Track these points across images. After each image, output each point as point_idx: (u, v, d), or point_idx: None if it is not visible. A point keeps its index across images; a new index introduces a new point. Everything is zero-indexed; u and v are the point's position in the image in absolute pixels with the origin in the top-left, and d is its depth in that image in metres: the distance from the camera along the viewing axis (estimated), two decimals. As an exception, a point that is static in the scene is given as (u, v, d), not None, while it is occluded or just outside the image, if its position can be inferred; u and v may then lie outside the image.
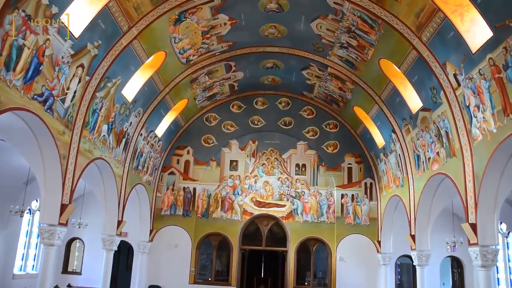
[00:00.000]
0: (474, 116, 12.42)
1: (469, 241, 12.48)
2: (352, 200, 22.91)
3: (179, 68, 18.16)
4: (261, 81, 22.58)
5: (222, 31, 16.93)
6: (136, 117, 18.00)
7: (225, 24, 16.43)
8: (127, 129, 17.69)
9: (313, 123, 23.93)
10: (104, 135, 15.76)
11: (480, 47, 11.36)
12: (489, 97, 11.55)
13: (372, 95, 18.65)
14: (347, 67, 18.54)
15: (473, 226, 12.10)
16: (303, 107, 23.99)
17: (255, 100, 24.09)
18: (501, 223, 20.02)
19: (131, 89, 16.47)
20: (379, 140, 20.82)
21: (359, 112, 21.08)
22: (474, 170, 12.42)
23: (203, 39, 17.01)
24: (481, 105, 12.00)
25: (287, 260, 22.44)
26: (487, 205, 12.00)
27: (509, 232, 20.95)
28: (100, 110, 14.87)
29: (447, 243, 18.12)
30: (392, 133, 18.74)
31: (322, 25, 16.35)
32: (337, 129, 23.77)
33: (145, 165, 20.87)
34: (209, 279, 22.57)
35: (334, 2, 14.50)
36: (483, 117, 11.94)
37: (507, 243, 21.03)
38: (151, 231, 22.55)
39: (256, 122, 24.00)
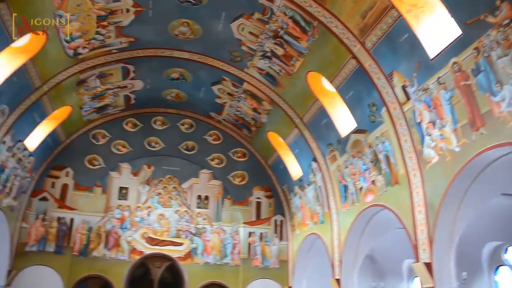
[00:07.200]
0: (427, 135, 10.50)
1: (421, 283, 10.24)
2: (261, 239, 20.00)
3: (63, 62, 14.31)
4: (163, 96, 19.25)
5: (123, 20, 13.74)
6: (-2, 116, 13.63)
7: (128, 10, 13.31)
8: (-19, 130, 13.31)
9: (219, 150, 21.02)
10: None
11: (442, 50, 9.56)
12: (450, 110, 9.71)
13: (293, 117, 16.43)
14: (267, 83, 16.20)
15: (428, 266, 9.89)
16: (208, 131, 21.02)
17: (153, 119, 20.61)
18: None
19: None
20: (295, 171, 18.51)
21: (274, 138, 18.70)
22: (427, 199, 10.36)
23: (98, 26, 13.64)
24: (437, 121, 10.12)
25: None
26: (443, 240, 9.94)
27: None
28: None
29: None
30: (313, 162, 16.52)
31: (244, 27, 13.94)
32: (246, 158, 21.07)
33: (8, 184, 15.93)
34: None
35: (264, -4, 12.21)
36: (441, 135, 10.04)
37: None
38: (9, 272, 17.40)
39: (153, 144, 20.41)
